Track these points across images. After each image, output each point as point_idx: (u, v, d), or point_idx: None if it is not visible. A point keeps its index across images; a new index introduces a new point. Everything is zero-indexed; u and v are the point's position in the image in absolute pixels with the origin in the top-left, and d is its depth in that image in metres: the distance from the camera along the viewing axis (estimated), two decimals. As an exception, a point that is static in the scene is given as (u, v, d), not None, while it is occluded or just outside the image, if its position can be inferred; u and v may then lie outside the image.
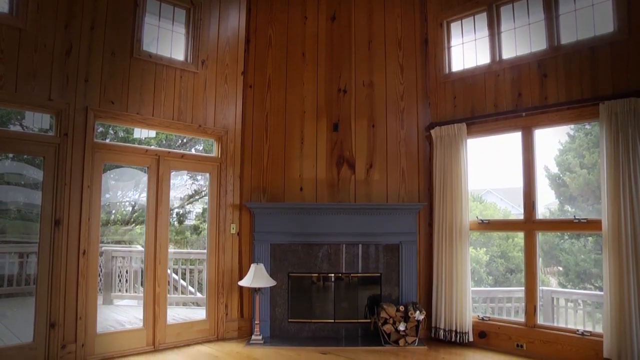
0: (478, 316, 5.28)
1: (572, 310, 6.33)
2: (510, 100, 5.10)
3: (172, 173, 5.36)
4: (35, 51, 4.30)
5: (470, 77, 5.44)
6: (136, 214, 10.22)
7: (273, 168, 5.78)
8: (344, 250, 5.56)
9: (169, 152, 5.49)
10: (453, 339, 5.14)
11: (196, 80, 5.47)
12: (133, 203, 10.47)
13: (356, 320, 5.54)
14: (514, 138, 5.14)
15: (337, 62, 5.85)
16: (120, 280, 7.70)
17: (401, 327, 5.01)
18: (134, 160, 5.18)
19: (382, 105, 5.76)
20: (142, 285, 5.69)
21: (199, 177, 10.24)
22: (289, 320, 5.50)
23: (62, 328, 4.31)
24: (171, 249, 7.99)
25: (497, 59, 5.26)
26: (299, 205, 5.56)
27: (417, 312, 5.04)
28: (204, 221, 9.26)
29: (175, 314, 6.11)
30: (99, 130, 6.61)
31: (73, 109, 4.50)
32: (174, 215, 10.47)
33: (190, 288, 7.48)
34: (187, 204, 11.01)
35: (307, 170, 5.73)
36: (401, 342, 5.04)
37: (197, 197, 10.83)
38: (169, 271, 5.89)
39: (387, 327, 5.04)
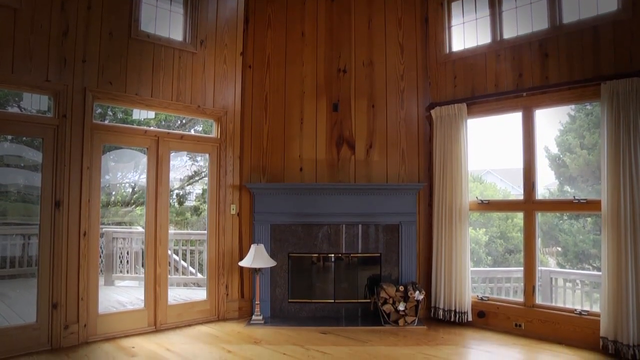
0: (477, 296, 5.34)
1: (570, 290, 6.38)
2: (511, 80, 5.07)
3: (172, 154, 5.36)
4: (31, 32, 4.26)
5: (471, 57, 5.39)
6: (136, 195, 10.24)
7: (273, 149, 5.77)
8: (344, 231, 5.59)
9: (169, 133, 5.48)
10: (452, 319, 5.21)
11: (195, 61, 5.43)
12: (133, 184, 10.49)
13: (356, 301, 5.60)
14: (515, 118, 5.12)
15: (336, 41, 5.79)
16: (121, 262, 7.75)
17: (401, 307, 5.06)
18: (134, 141, 5.18)
19: (382, 85, 5.73)
20: (143, 266, 5.73)
21: (198, 158, 10.23)
22: (289, 300, 5.56)
23: (64, 308, 4.37)
24: (171, 230, 8.03)
25: (498, 38, 5.21)
26: (299, 186, 5.58)
27: (417, 292, 5.09)
28: (204, 202, 9.29)
29: (176, 295, 6.18)
30: (97, 112, 6.57)
31: (71, 90, 4.48)
32: (174, 196, 10.49)
33: (190, 269, 7.54)
34: (187, 185, 11.01)
35: (307, 150, 5.72)
36: (401, 322, 5.10)
37: (197, 178, 10.84)
38: (169, 252, 5.92)
39: (387, 307, 5.10)
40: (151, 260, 5.05)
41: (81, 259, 4.49)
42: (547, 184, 10.03)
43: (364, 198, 5.51)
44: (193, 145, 5.68)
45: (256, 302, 5.29)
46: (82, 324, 4.47)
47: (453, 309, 5.22)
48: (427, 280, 5.51)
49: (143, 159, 5.58)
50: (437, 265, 5.38)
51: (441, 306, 5.32)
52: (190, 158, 10.45)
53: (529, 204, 4.99)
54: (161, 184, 5.16)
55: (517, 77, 5.01)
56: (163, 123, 9.51)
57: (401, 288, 5.15)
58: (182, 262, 7.51)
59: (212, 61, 5.57)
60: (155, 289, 5.05)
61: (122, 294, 6.61)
